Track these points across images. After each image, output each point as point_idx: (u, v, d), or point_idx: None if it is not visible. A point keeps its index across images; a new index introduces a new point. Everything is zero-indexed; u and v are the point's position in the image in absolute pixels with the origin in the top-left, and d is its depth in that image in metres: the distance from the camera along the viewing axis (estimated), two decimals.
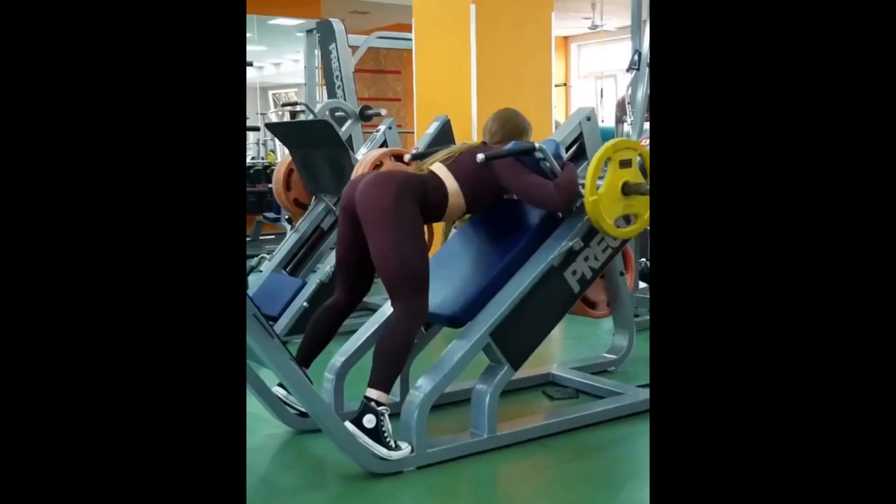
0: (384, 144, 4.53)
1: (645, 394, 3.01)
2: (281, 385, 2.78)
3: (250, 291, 4.37)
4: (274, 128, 5.28)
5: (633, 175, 2.77)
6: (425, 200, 2.68)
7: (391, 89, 11.23)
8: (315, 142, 4.40)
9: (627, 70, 4.62)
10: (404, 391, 2.94)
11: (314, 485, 2.49)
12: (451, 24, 5.36)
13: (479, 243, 3.02)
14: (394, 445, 2.46)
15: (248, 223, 8.11)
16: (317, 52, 6.58)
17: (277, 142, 8.14)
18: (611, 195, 2.74)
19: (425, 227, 2.91)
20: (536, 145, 2.77)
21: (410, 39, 5.86)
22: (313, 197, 4.75)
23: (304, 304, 4.11)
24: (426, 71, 5.64)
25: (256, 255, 5.00)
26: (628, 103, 4.73)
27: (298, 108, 6.53)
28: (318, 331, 2.80)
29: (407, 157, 3.45)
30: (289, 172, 4.83)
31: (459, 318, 2.74)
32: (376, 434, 2.43)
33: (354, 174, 3.75)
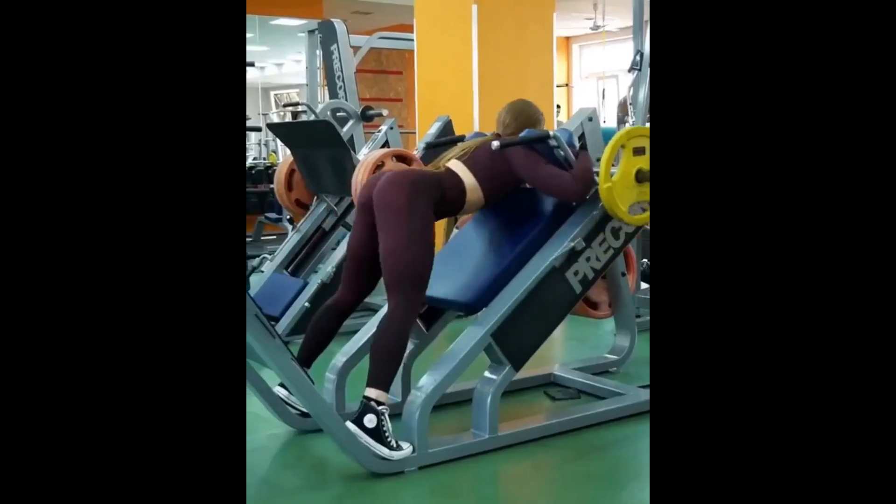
0: (386, 145, 4.52)
1: (646, 394, 3.01)
2: (282, 385, 2.78)
3: (252, 292, 4.37)
4: (275, 128, 5.28)
5: (647, 162, 2.78)
6: (442, 198, 2.71)
7: (393, 90, 11.25)
8: (317, 142, 4.39)
9: (629, 70, 4.61)
10: (406, 391, 2.95)
11: (315, 485, 2.49)
12: (452, 25, 5.36)
13: (492, 231, 3.05)
14: (395, 445, 2.46)
15: (250, 223, 8.11)
16: (318, 52, 6.56)
17: (279, 142, 8.13)
18: (625, 182, 2.76)
19: None
20: (550, 133, 2.78)
21: (412, 40, 5.86)
22: (315, 197, 4.75)
23: (306, 304, 4.11)
24: (428, 71, 5.64)
25: (258, 256, 5.01)
26: (630, 104, 4.72)
27: (300, 108, 6.52)
28: (319, 331, 2.80)
29: (420, 146, 3.44)
30: (290, 173, 4.83)
31: (473, 305, 2.77)
32: (377, 434, 2.43)
33: (356, 175, 3.75)
